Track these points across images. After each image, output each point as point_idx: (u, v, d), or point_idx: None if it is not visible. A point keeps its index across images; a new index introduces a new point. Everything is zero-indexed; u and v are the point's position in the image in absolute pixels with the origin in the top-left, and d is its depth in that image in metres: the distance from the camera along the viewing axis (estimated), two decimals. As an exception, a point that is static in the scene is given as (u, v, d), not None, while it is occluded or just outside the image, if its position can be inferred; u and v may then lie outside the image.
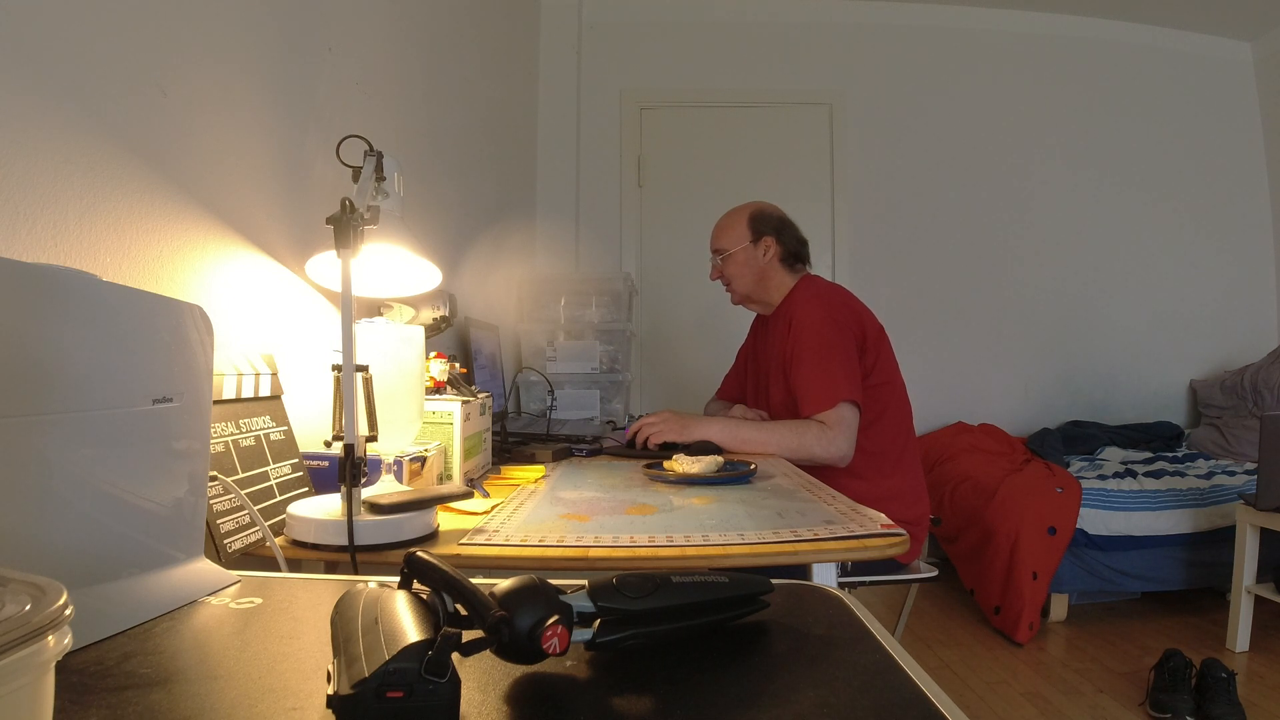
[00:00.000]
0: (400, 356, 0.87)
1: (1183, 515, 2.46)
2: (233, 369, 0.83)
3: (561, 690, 0.41)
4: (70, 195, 0.70)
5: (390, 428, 0.84)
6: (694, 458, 1.19)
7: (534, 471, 1.27)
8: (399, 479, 0.92)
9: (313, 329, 1.14)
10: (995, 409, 3.40)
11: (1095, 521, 2.44)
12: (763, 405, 1.78)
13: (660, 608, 0.45)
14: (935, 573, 1.64)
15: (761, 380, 1.80)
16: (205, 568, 0.58)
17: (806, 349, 1.57)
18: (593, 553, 0.76)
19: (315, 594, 0.57)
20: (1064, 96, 3.47)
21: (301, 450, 0.91)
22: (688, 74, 3.40)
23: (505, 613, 0.39)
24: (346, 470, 0.72)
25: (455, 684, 0.34)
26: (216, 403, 0.76)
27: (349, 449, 0.72)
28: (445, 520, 0.88)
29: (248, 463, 0.79)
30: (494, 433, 1.43)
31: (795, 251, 1.76)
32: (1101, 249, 3.48)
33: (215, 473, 0.72)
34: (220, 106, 0.93)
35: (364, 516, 0.74)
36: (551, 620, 0.40)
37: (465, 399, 1.14)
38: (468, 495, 0.87)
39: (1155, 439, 3.27)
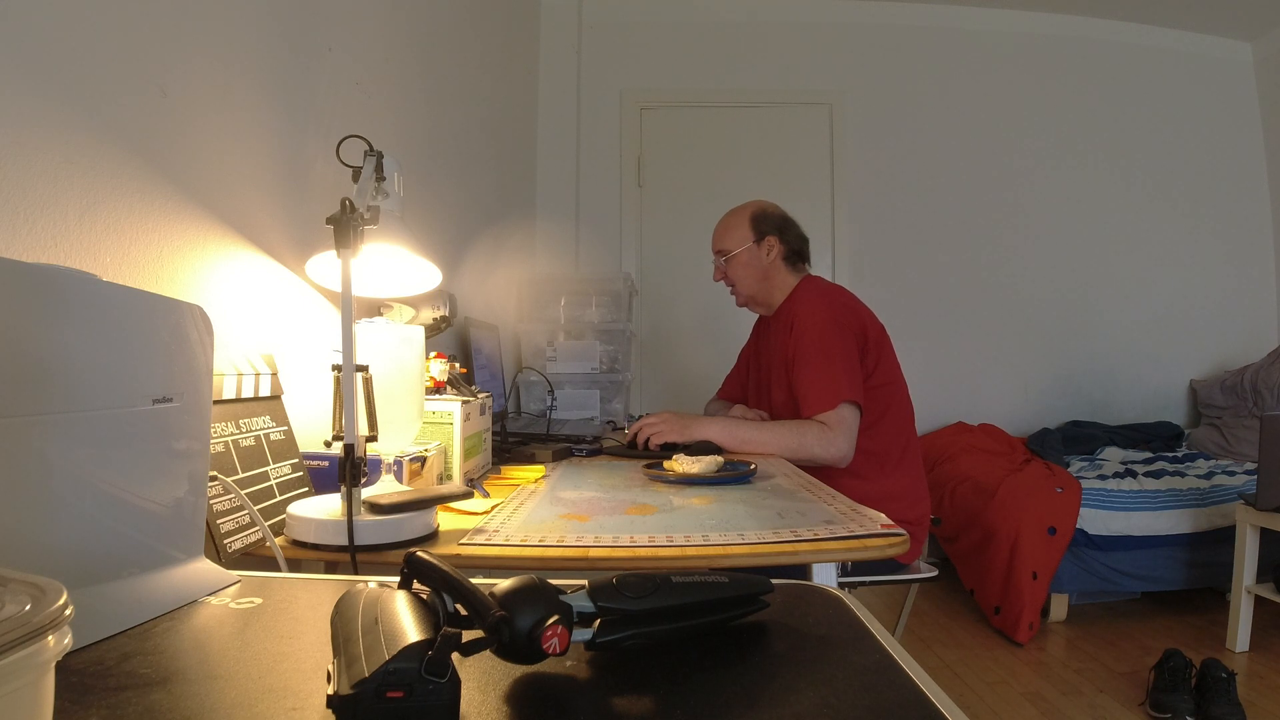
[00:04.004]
0: (400, 356, 0.87)
1: (1183, 515, 2.46)
2: (233, 369, 0.83)
3: (561, 690, 0.41)
4: (70, 196, 0.70)
5: (390, 428, 0.84)
6: (694, 458, 1.19)
7: (534, 471, 1.27)
8: (399, 479, 0.92)
9: (313, 329, 1.14)
10: (995, 409, 3.40)
11: (1095, 521, 2.44)
12: (764, 406, 1.78)
13: (660, 608, 0.45)
14: (935, 573, 1.64)
15: (763, 381, 1.80)
16: (205, 568, 0.58)
17: (808, 350, 1.57)
18: (593, 553, 0.76)
19: (315, 594, 0.57)
20: (1064, 96, 3.47)
21: (301, 450, 0.91)
22: (688, 74, 3.40)
23: (505, 613, 0.39)
24: (346, 470, 0.72)
25: (455, 684, 0.34)
26: (216, 403, 0.76)
27: (349, 449, 0.72)
28: (445, 520, 0.88)
29: (248, 463, 0.79)
30: (494, 433, 1.43)
31: (798, 250, 1.75)
32: (1101, 249, 3.48)
33: (215, 473, 0.72)
34: (220, 106, 0.93)
35: (364, 516, 0.74)
36: (551, 620, 0.40)
37: (465, 399, 1.14)
38: (468, 495, 0.87)
39: (1155, 439, 3.28)
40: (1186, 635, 2.35)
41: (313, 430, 1.06)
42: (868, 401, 1.57)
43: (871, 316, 1.69)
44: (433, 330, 1.29)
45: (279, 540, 0.76)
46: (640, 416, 1.69)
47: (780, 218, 1.76)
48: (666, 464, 1.21)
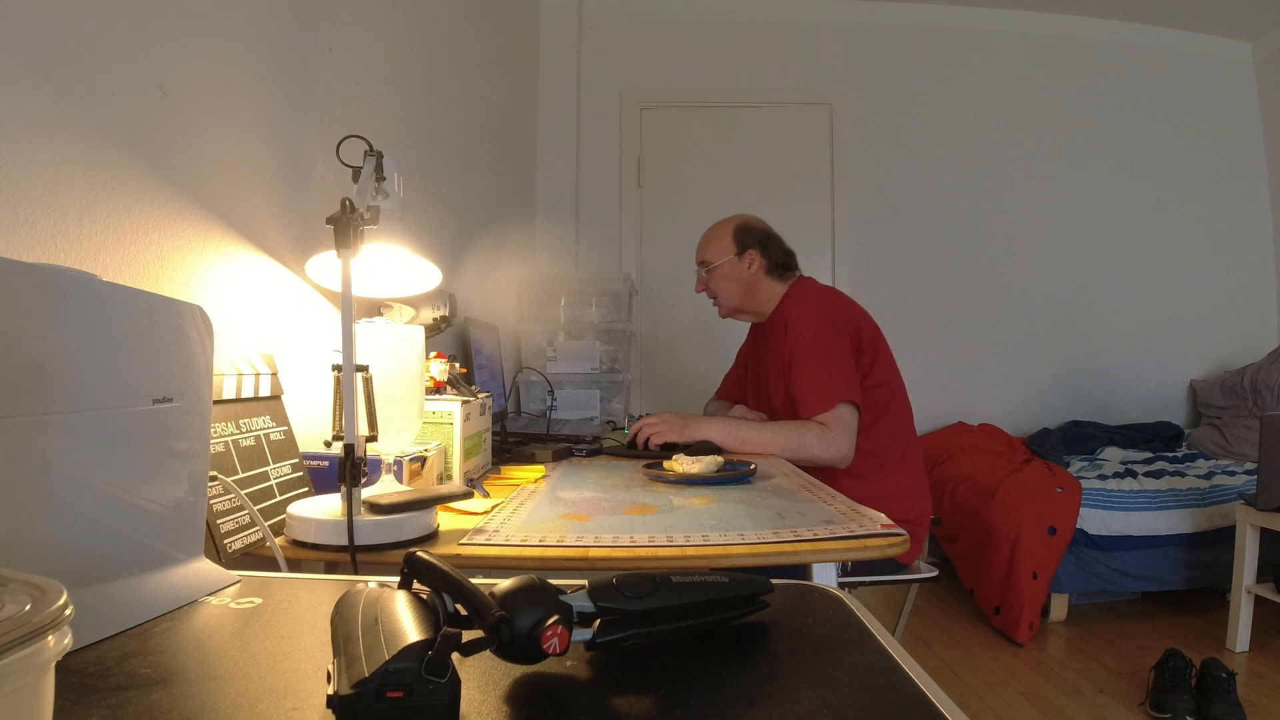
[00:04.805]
0: (400, 356, 0.87)
1: (1183, 515, 2.46)
2: (233, 369, 0.83)
3: (561, 690, 0.41)
4: (70, 196, 0.70)
5: (390, 428, 0.84)
6: (694, 458, 1.19)
7: (534, 471, 1.27)
8: (399, 479, 0.92)
9: (313, 329, 1.14)
10: (995, 409, 3.40)
11: (1095, 521, 2.44)
12: (764, 409, 1.78)
13: (660, 608, 0.45)
14: (935, 573, 1.64)
15: (762, 385, 1.80)
16: (205, 568, 0.58)
17: (803, 352, 1.57)
18: (593, 553, 0.76)
19: (315, 594, 0.57)
20: (1064, 97, 3.47)
21: (301, 450, 0.91)
22: (688, 74, 3.40)
23: (505, 613, 0.39)
24: (346, 470, 0.72)
25: (455, 684, 0.34)
26: (216, 403, 0.76)
27: (349, 449, 0.72)
28: (445, 520, 0.88)
29: (248, 463, 0.79)
30: (494, 433, 1.43)
31: (782, 262, 1.75)
32: (1102, 248, 3.48)
33: (215, 473, 0.72)
34: (220, 106, 0.93)
35: (364, 516, 0.74)
36: (551, 620, 0.40)
37: (465, 399, 1.14)
38: (468, 495, 0.87)
39: (1155, 439, 3.27)
40: (1186, 635, 2.34)
41: (313, 430, 1.06)
42: (865, 401, 1.57)
43: (865, 316, 1.69)
44: (433, 330, 1.29)
45: (279, 540, 0.76)
46: (640, 416, 1.69)
47: (763, 232, 1.76)
48: (666, 464, 1.21)
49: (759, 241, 1.74)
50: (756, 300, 1.76)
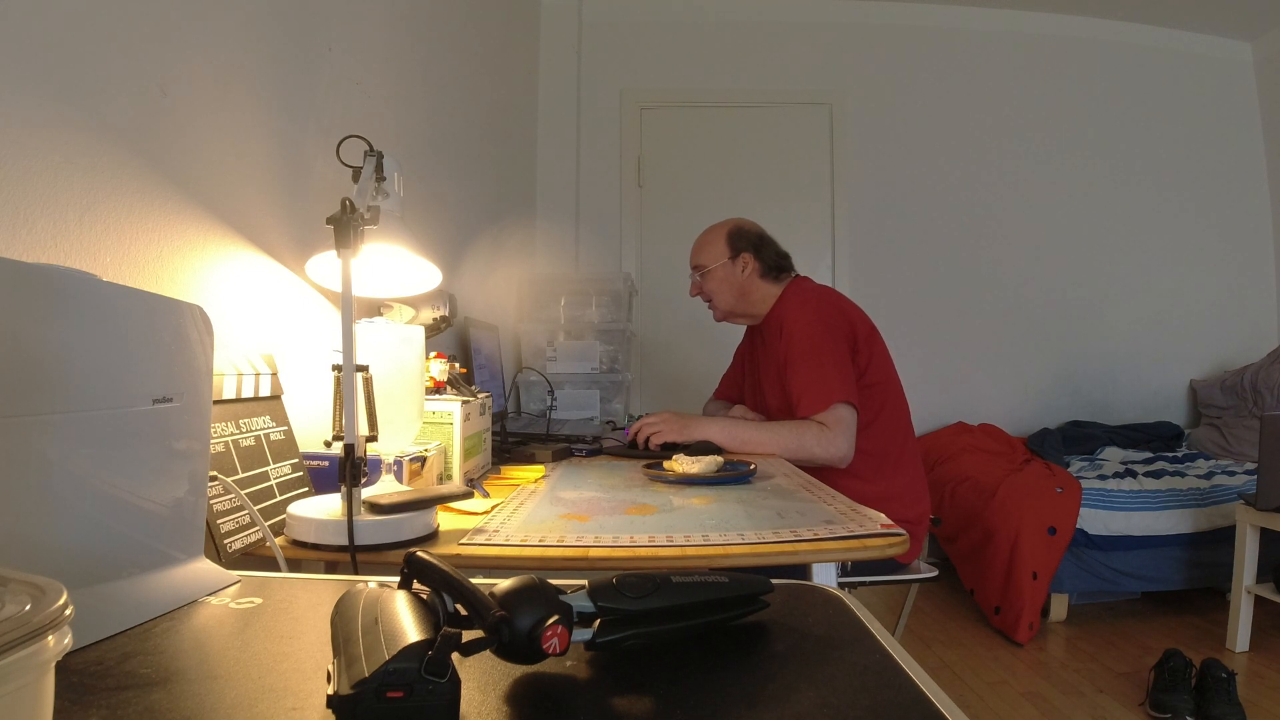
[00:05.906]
0: (400, 356, 0.87)
1: (1183, 515, 2.46)
2: (233, 369, 0.83)
3: (561, 690, 0.41)
4: (70, 195, 0.70)
5: (390, 428, 0.84)
6: (694, 458, 1.19)
7: (534, 471, 1.27)
8: (399, 479, 0.92)
9: (313, 329, 1.14)
10: (995, 409, 3.40)
11: (1095, 521, 2.44)
12: (761, 410, 1.78)
13: (660, 608, 0.45)
14: (935, 573, 1.64)
15: (758, 387, 1.80)
16: (205, 568, 0.58)
17: (799, 352, 1.57)
18: (593, 553, 0.76)
19: (315, 594, 0.57)
20: (1064, 96, 3.47)
21: (301, 450, 0.91)
22: (688, 74, 3.40)
23: (505, 613, 0.39)
24: (346, 470, 0.72)
25: (455, 684, 0.34)
26: (216, 403, 0.76)
27: (349, 449, 0.72)
28: (445, 520, 0.88)
29: (248, 463, 0.79)
30: (494, 433, 1.43)
31: (776, 265, 1.75)
32: (1102, 249, 3.48)
33: (215, 473, 0.72)
34: (220, 106, 0.93)
35: (364, 516, 0.74)
36: (551, 620, 0.40)
37: (465, 399, 1.14)
38: (468, 495, 0.87)
39: (1155, 439, 3.28)
40: (1186, 635, 2.34)
41: (313, 430, 1.06)
42: (862, 401, 1.56)
43: (861, 315, 1.68)
44: (433, 330, 1.29)
45: (279, 540, 0.76)
46: (640, 416, 1.69)
47: (757, 235, 1.77)
48: (666, 464, 1.21)
49: (752, 245, 1.74)
50: (751, 303, 1.76)
